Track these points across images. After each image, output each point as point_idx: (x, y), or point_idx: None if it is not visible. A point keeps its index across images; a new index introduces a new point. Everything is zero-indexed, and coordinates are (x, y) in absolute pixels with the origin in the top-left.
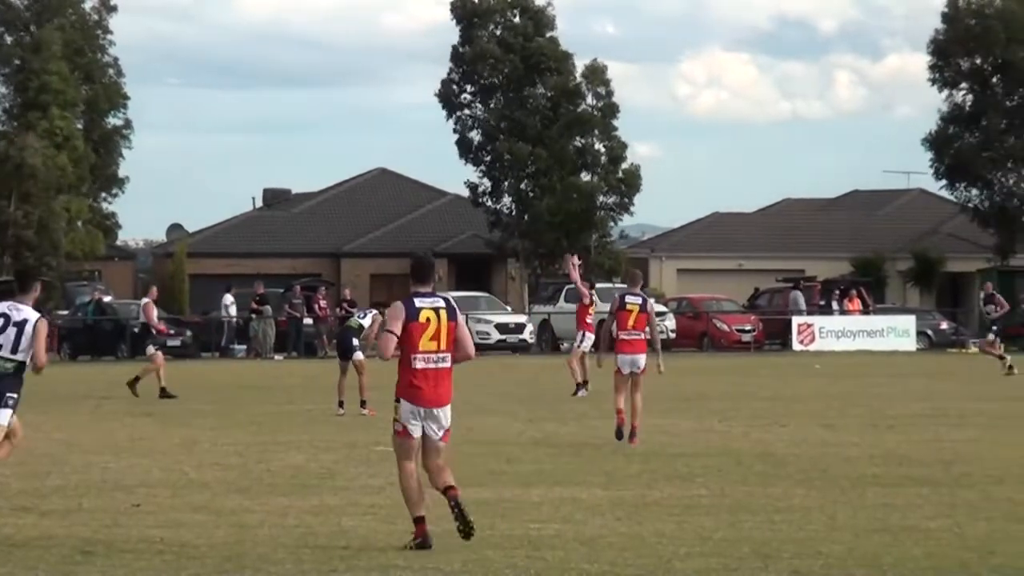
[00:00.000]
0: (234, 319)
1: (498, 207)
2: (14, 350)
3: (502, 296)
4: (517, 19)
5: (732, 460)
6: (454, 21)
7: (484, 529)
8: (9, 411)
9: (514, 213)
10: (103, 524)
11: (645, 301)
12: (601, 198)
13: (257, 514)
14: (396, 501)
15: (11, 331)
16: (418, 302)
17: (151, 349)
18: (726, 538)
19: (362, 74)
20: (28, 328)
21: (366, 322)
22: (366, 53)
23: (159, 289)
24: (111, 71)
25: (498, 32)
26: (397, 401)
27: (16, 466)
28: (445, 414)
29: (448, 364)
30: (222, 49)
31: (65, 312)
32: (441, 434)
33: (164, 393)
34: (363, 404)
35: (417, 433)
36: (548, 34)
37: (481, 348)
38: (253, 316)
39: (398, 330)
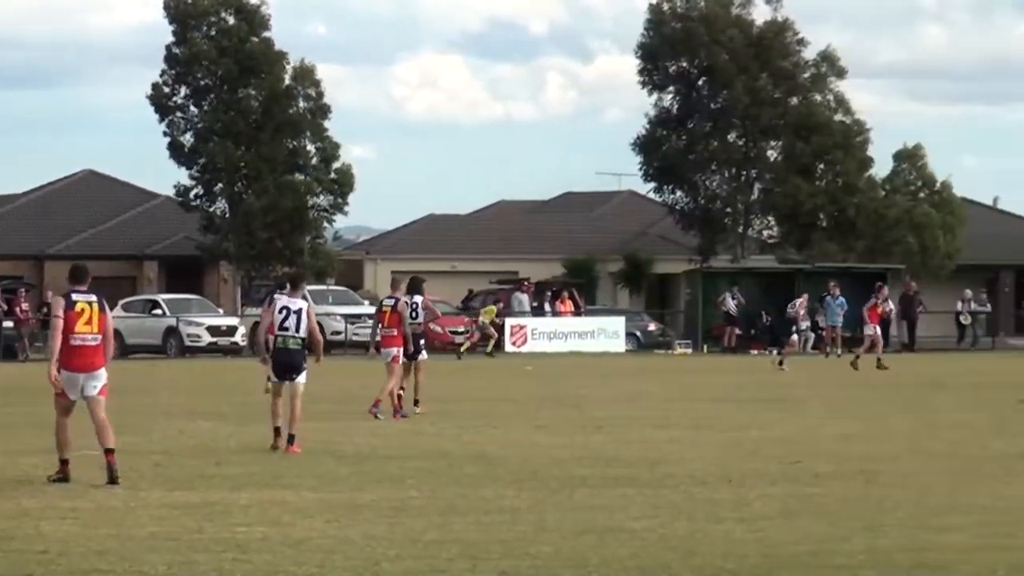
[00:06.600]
0: None
1: (211, 209)
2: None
3: (215, 299)
4: (232, 20)
5: (444, 462)
6: (167, 21)
7: (191, 532)
8: None
9: (227, 215)
10: None
11: (396, 302)
12: (314, 199)
13: None
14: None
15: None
16: (74, 296)
17: None
18: (436, 540)
19: (66, 74)
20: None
21: None
22: (70, 53)
23: None
24: None
25: (212, 33)
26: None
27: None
28: (96, 377)
29: (99, 343)
30: None
31: None
32: (95, 393)
33: None
34: None
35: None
36: (263, 34)
37: (192, 351)
38: None
39: (61, 313)
